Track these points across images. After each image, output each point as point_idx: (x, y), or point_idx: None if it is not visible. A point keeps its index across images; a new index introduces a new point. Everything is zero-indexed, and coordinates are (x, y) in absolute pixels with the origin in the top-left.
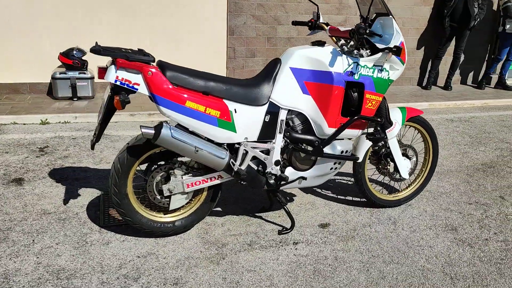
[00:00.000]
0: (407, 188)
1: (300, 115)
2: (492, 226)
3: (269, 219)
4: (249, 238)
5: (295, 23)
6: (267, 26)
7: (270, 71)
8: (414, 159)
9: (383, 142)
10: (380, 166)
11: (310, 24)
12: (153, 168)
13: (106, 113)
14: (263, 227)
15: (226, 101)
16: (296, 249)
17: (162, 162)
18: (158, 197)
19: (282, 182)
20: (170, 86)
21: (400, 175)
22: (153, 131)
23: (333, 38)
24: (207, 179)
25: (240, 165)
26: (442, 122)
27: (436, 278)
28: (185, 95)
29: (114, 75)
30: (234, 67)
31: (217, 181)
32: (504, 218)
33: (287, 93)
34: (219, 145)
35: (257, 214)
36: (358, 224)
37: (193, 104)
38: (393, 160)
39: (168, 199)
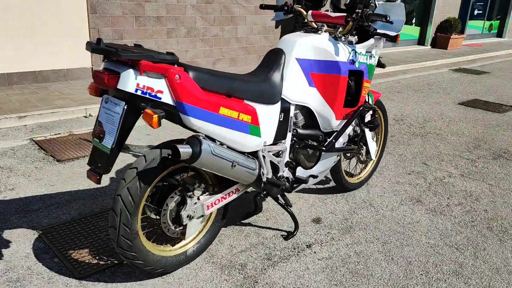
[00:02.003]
0: (365, 168)
1: (303, 110)
2: (441, 192)
3: (261, 225)
4: (262, 251)
5: (264, 6)
6: (134, 3)
7: (276, 64)
8: (374, 139)
9: (359, 128)
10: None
11: (285, 8)
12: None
13: (121, 133)
14: (263, 235)
15: (249, 103)
16: (314, 252)
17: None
18: (173, 227)
19: (295, 185)
20: (201, 92)
21: (370, 157)
22: (191, 150)
23: (314, 24)
24: (225, 195)
25: (267, 173)
26: None
27: (448, 252)
28: (218, 101)
29: (134, 82)
30: None
31: (234, 195)
32: (441, 182)
33: (295, 87)
34: (242, 154)
35: (244, 221)
36: (343, 212)
37: (227, 110)
38: (365, 144)
39: (183, 227)
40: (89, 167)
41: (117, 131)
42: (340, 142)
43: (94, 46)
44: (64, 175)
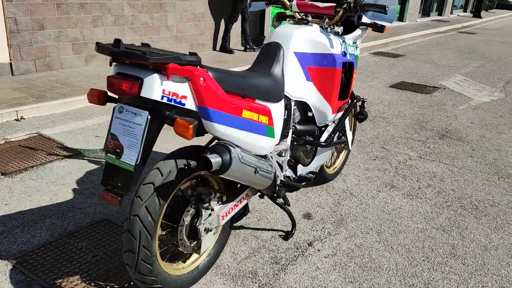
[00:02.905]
0: (338, 158)
1: (299, 105)
2: (408, 175)
3: (255, 227)
4: (266, 255)
5: None
6: None
7: (275, 59)
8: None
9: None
10: None
11: None
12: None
13: (145, 147)
14: (261, 237)
15: (261, 102)
16: (318, 250)
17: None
18: (188, 243)
19: (303, 183)
20: (224, 94)
21: (348, 147)
22: (221, 159)
23: (297, 14)
24: (237, 202)
25: (279, 175)
26: None
27: (437, 234)
28: (240, 104)
29: (160, 88)
30: (19, 44)
31: (245, 201)
32: (405, 165)
33: (294, 82)
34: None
35: (236, 225)
36: (329, 205)
37: (249, 113)
38: (344, 134)
39: (198, 242)
40: (104, 187)
41: (141, 145)
42: (336, 136)
43: (115, 49)
44: (17, 191)
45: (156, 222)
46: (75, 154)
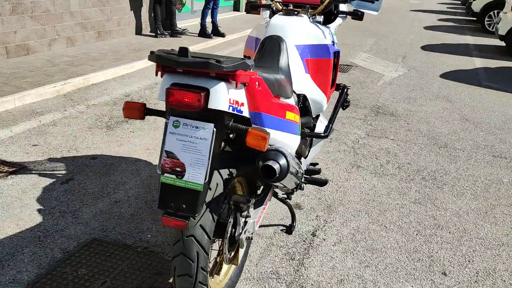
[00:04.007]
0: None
1: (298, 98)
2: (367, 154)
3: None
4: (279, 253)
5: None
6: None
7: (281, 53)
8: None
9: None
10: None
11: None
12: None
13: (212, 163)
14: (264, 235)
15: (285, 100)
16: (324, 239)
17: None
18: (229, 254)
19: (314, 177)
20: (273, 97)
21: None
22: (279, 166)
23: (278, 5)
24: (265, 205)
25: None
26: None
27: (417, 208)
28: (283, 105)
29: (227, 98)
30: None
31: (269, 203)
32: (359, 144)
33: (297, 76)
34: None
35: None
36: (312, 192)
37: (290, 114)
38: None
39: (235, 252)
40: (164, 211)
41: (208, 161)
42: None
43: (185, 60)
44: None
45: (211, 240)
46: (20, 169)
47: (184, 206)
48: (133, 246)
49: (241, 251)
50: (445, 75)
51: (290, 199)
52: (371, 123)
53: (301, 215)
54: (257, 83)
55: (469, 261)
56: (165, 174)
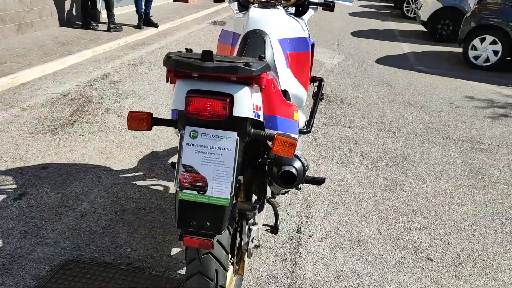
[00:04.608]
0: None
1: None
2: (328, 144)
3: None
4: (269, 255)
5: None
6: None
7: (266, 49)
8: None
9: None
10: None
11: None
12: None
13: (236, 175)
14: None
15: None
16: (310, 236)
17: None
18: (236, 265)
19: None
20: (284, 98)
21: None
22: (296, 170)
23: None
24: (263, 210)
25: None
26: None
27: (389, 195)
28: (292, 106)
29: (250, 103)
30: None
31: (265, 206)
32: (319, 134)
33: (280, 71)
34: None
35: None
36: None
37: (295, 114)
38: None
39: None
40: (185, 230)
41: (233, 172)
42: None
43: (212, 65)
44: None
45: (228, 254)
46: None
47: (208, 223)
48: (114, 264)
49: (246, 260)
50: (379, 61)
51: (275, 198)
52: (325, 112)
53: (282, 213)
54: (272, 85)
55: (448, 244)
56: (184, 191)
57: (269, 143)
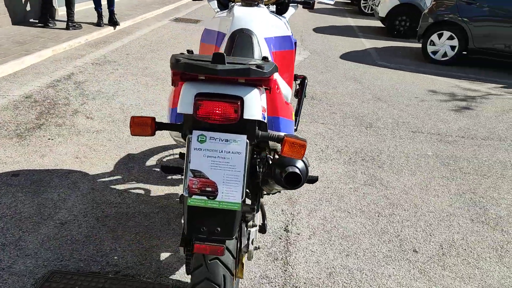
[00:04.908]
0: None
1: None
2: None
3: None
4: (261, 254)
5: None
6: None
7: (254, 49)
8: None
9: None
10: None
11: None
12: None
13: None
14: None
15: None
16: (298, 234)
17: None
18: (237, 268)
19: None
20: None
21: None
22: (299, 171)
23: None
24: (259, 209)
25: None
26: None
27: (369, 190)
28: (290, 106)
29: (260, 106)
30: None
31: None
32: (298, 132)
33: None
34: None
35: None
36: None
37: (293, 114)
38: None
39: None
40: (195, 237)
41: (244, 176)
42: None
43: (225, 68)
44: None
45: (234, 259)
46: None
47: (219, 229)
48: (102, 273)
49: (246, 263)
50: (344, 57)
51: (262, 197)
52: None
53: (267, 211)
54: (276, 86)
55: (430, 235)
56: (194, 196)
57: (275, 144)
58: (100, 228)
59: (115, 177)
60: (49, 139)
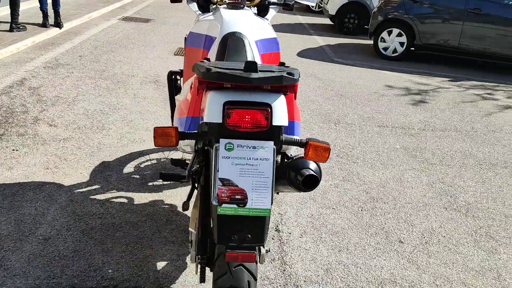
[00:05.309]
0: None
1: None
2: None
3: None
4: None
5: None
6: None
7: (247, 52)
8: None
9: None
10: None
11: None
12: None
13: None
14: None
15: None
16: (290, 233)
17: None
18: None
19: None
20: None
21: None
22: (314, 173)
23: None
24: None
25: None
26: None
27: (348, 185)
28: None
29: (286, 112)
30: None
31: None
32: None
33: None
34: None
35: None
36: None
37: (300, 116)
38: None
39: None
40: (226, 246)
41: (272, 182)
42: None
43: (259, 76)
44: None
45: (257, 264)
46: None
47: (249, 236)
48: None
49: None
50: (300, 54)
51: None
52: None
53: None
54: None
55: (411, 225)
56: (223, 205)
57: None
58: (87, 241)
59: (93, 187)
60: (13, 150)
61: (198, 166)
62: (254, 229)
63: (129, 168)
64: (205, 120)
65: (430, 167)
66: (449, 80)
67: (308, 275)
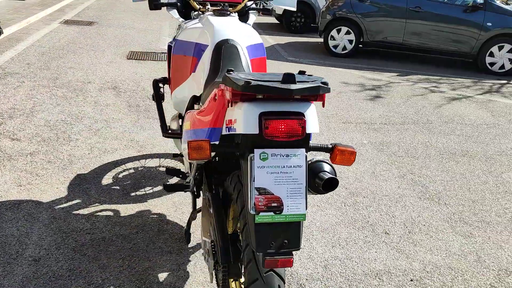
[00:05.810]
0: None
1: None
2: None
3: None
4: None
5: None
6: None
7: (240, 59)
8: None
9: None
10: None
11: None
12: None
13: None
14: None
15: None
16: None
17: None
18: None
19: None
20: None
21: None
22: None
23: (195, 4)
24: None
25: None
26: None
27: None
28: None
29: (317, 119)
30: None
31: None
32: None
33: None
34: None
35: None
36: None
37: None
38: None
39: None
40: (266, 253)
41: (306, 188)
42: None
43: (299, 87)
44: None
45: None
46: None
47: (286, 241)
48: None
49: None
50: None
51: None
52: None
53: None
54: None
55: (393, 217)
56: (261, 214)
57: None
58: (81, 258)
59: (73, 202)
60: None
61: (197, 174)
62: (290, 234)
63: (107, 179)
64: (240, 131)
65: (398, 159)
66: (397, 75)
67: (309, 273)
